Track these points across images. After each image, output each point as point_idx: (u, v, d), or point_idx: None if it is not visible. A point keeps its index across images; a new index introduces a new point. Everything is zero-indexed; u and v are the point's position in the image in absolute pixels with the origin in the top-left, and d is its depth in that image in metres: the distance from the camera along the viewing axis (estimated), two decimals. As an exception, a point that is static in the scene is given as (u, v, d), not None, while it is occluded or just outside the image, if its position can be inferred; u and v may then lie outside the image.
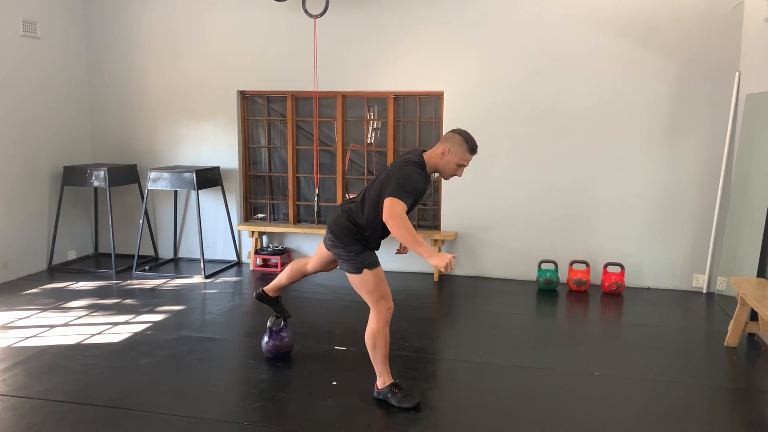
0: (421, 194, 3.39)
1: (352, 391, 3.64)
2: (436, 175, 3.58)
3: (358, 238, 3.45)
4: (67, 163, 6.49)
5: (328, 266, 3.81)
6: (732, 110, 5.44)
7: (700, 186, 5.64)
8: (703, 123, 5.57)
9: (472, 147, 3.43)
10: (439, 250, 6.06)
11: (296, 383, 3.81)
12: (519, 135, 5.94)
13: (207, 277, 6.10)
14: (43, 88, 6.25)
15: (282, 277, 4.01)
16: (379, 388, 3.49)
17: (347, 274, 3.50)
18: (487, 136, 5.99)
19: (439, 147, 3.43)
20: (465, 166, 3.44)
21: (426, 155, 3.44)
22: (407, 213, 3.27)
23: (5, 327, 4.68)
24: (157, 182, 6.16)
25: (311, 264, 3.87)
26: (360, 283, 3.45)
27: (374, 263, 3.46)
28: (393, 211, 3.16)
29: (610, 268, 5.76)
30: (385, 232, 3.47)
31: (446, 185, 6.14)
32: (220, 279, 6.10)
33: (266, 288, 4.07)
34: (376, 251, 3.55)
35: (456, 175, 3.45)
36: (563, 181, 5.90)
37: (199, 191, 6.35)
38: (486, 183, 6.06)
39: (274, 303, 4.10)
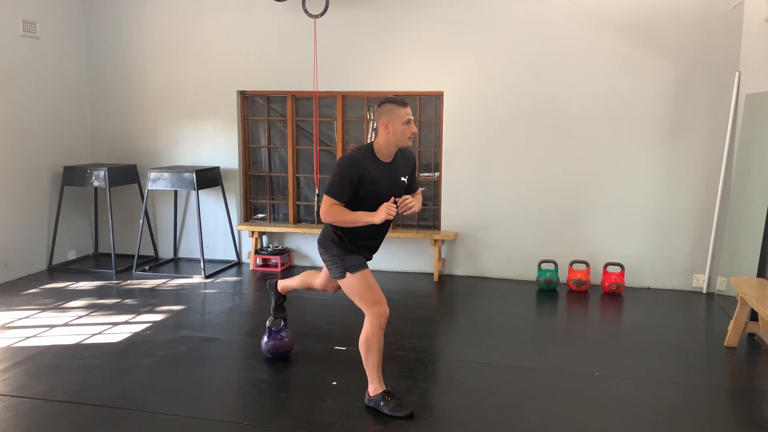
0: (361, 174, 3.29)
1: (352, 391, 3.64)
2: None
3: (334, 239, 3.45)
4: (67, 163, 6.49)
5: (330, 283, 3.81)
6: (732, 110, 5.44)
7: (700, 186, 5.64)
8: (703, 123, 5.57)
9: (400, 102, 3.37)
10: (439, 250, 6.06)
11: (296, 383, 3.82)
12: (519, 135, 5.94)
13: (207, 277, 6.10)
14: (43, 88, 6.25)
15: (294, 281, 4.03)
16: (371, 395, 3.44)
17: (338, 281, 3.51)
18: (487, 136, 6.01)
19: (380, 128, 3.38)
20: (411, 119, 3.36)
21: (375, 143, 3.40)
22: (379, 196, 3.31)
23: (5, 327, 4.68)
24: (157, 182, 6.16)
25: (318, 280, 3.88)
26: (347, 288, 3.44)
27: (357, 267, 3.41)
28: (322, 210, 3.34)
29: (610, 268, 5.75)
30: (363, 235, 3.44)
31: (446, 185, 6.14)
32: (220, 279, 6.10)
33: (279, 281, 4.11)
34: (364, 257, 3.50)
35: (412, 132, 3.35)
36: (563, 180, 5.90)
37: (199, 191, 6.35)
38: (486, 183, 6.06)
39: (277, 299, 4.13)
